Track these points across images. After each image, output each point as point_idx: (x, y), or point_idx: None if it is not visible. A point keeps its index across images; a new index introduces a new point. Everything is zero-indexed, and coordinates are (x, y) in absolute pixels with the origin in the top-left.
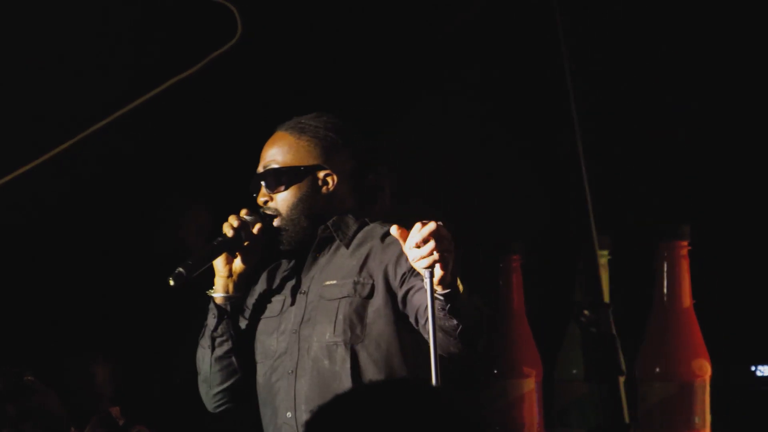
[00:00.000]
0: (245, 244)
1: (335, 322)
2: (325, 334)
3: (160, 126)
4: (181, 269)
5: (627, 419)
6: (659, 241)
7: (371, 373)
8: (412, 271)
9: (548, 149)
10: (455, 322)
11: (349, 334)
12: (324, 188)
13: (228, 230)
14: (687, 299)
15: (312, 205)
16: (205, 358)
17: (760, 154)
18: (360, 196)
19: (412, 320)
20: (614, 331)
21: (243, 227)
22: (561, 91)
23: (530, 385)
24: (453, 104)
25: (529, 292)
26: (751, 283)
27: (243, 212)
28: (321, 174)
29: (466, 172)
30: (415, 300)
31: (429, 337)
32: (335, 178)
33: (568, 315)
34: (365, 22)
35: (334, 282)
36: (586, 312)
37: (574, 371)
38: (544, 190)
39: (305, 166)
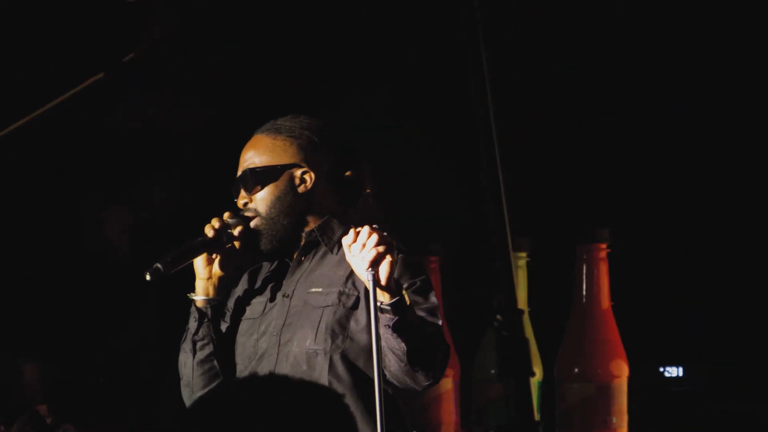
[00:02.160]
0: (226, 246)
1: (317, 329)
2: (306, 341)
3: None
4: (158, 265)
5: (537, 417)
6: (578, 244)
7: (347, 383)
8: None
9: (467, 152)
10: (403, 343)
11: (329, 342)
12: (301, 186)
13: (209, 231)
14: (605, 301)
15: (290, 204)
16: (187, 362)
17: (677, 158)
18: (342, 196)
19: None
20: (526, 335)
21: (224, 229)
22: (479, 93)
23: (447, 384)
24: (370, 107)
25: (447, 293)
26: (661, 285)
27: (226, 215)
28: (298, 172)
29: (384, 175)
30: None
31: (389, 366)
32: (312, 175)
33: (486, 316)
34: (288, 23)
35: (320, 290)
36: (499, 316)
37: (492, 371)
38: (462, 192)
39: (281, 165)
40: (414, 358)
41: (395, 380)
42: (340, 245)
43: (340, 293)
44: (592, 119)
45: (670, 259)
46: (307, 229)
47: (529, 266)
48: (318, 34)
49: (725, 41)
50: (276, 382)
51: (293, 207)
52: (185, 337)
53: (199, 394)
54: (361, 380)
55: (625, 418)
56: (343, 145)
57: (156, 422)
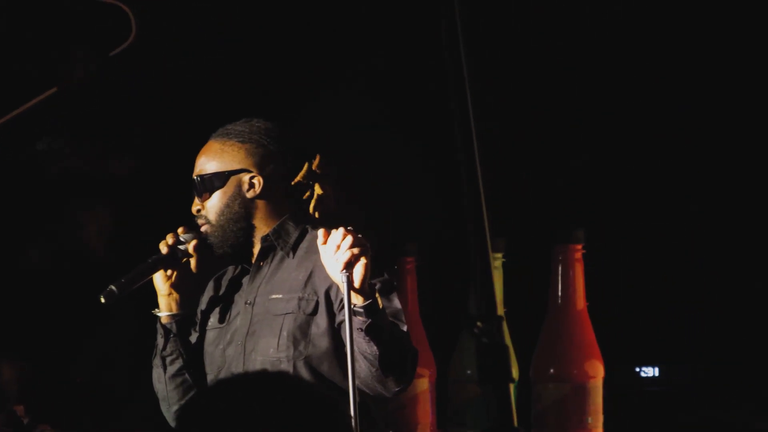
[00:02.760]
0: (183, 261)
1: (279, 337)
2: (269, 349)
3: (52, 128)
4: (113, 287)
5: (516, 423)
6: (554, 244)
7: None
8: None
9: (444, 152)
10: (375, 347)
11: (292, 350)
12: (250, 191)
13: (163, 248)
14: (581, 302)
15: (238, 210)
16: (160, 378)
17: (653, 160)
18: (298, 200)
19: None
20: (506, 341)
21: (178, 244)
22: (457, 94)
23: (424, 385)
24: (348, 106)
25: (423, 294)
26: (637, 286)
27: (180, 230)
28: (246, 177)
29: (362, 175)
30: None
31: (359, 371)
32: (261, 180)
33: (462, 316)
34: (258, 21)
35: (280, 296)
36: (479, 323)
37: (469, 372)
38: (440, 192)
39: (228, 171)
40: (386, 363)
41: (365, 386)
42: (297, 248)
43: (300, 299)
44: (567, 120)
45: (645, 260)
46: (262, 234)
47: (505, 267)
48: (292, 32)
49: (701, 41)
50: (246, 388)
51: (242, 213)
52: (155, 354)
53: (175, 407)
54: (325, 385)
55: (601, 418)
56: (296, 147)
57: (132, 423)
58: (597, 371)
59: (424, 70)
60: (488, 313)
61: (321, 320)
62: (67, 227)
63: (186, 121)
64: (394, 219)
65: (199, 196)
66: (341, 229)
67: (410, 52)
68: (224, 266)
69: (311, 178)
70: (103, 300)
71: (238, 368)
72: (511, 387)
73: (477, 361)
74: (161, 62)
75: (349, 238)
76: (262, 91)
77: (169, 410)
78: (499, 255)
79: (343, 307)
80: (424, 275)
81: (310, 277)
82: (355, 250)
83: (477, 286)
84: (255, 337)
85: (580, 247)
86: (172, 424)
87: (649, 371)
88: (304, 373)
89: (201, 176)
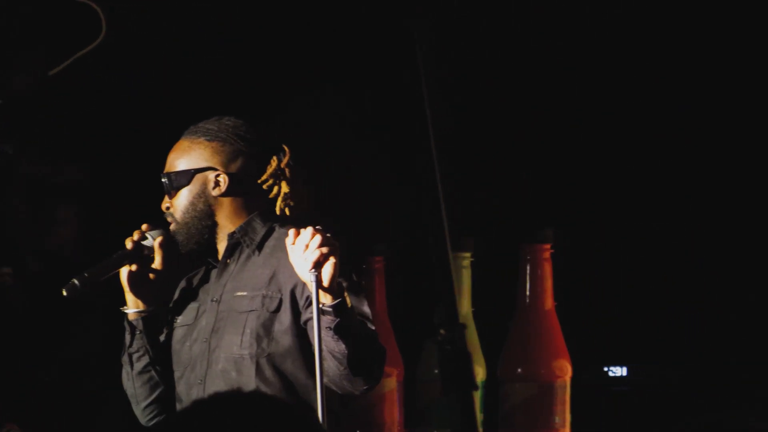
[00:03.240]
0: (147, 256)
1: (242, 334)
2: (233, 346)
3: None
4: (75, 281)
5: (480, 429)
6: (521, 244)
7: (276, 387)
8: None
9: (410, 151)
10: (344, 346)
11: (255, 347)
12: (216, 189)
13: (128, 243)
14: (549, 301)
15: (203, 207)
16: (128, 376)
17: (619, 159)
18: (266, 199)
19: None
20: (468, 349)
21: (143, 240)
22: (418, 92)
23: (391, 384)
24: (319, 107)
25: (392, 293)
26: (605, 286)
27: (144, 227)
28: (211, 175)
29: (331, 175)
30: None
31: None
32: (226, 178)
33: (430, 315)
34: (231, 22)
35: (245, 293)
36: (442, 331)
37: (436, 371)
38: (409, 192)
39: (194, 169)
40: (354, 362)
41: (333, 384)
42: (263, 246)
43: (264, 296)
44: (533, 119)
45: (614, 260)
46: (229, 232)
47: (474, 266)
48: (267, 33)
49: (664, 38)
50: (214, 404)
51: (207, 210)
52: (123, 351)
53: (143, 404)
54: (289, 382)
55: (569, 417)
56: (263, 145)
57: (102, 423)
58: (565, 371)
59: (386, 72)
60: (450, 321)
61: (284, 318)
62: (34, 229)
63: (161, 119)
64: (363, 218)
65: (168, 194)
66: (310, 229)
67: (375, 55)
68: (199, 265)
69: (278, 176)
70: (65, 293)
71: (202, 366)
72: (479, 386)
73: (440, 369)
74: (132, 60)
75: (318, 238)
76: (237, 90)
77: (137, 407)
78: (468, 255)
79: (309, 305)
80: (393, 275)
81: (275, 274)
82: (324, 250)
83: (439, 294)
84: (219, 334)
85: (548, 246)
86: (143, 421)
87: (618, 371)
88: (267, 370)
89: (168, 174)
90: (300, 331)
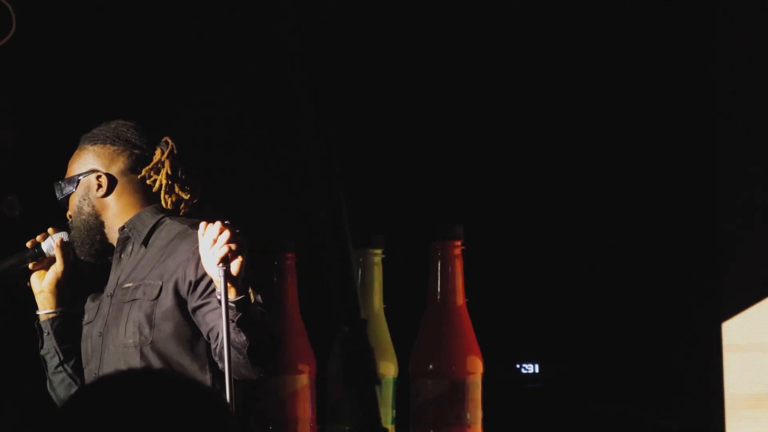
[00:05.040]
0: (45, 258)
1: (126, 324)
2: (118, 337)
3: None
4: None
5: (384, 423)
6: (432, 241)
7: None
8: (207, 284)
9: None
10: (244, 337)
11: (138, 336)
12: (99, 190)
13: (28, 244)
14: (460, 298)
15: (90, 210)
16: (47, 376)
17: (532, 158)
18: (152, 193)
19: (204, 336)
20: (370, 344)
21: (44, 241)
22: (309, 91)
23: (304, 381)
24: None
25: (303, 289)
26: (517, 282)
27: (50, 230)
28: (93, 177)
29: (236, 174)
30: (208, 319)
31: (220, 353)
32: (106, 179)
33: (341, 312)
34: (142, 19)
35: (130, 285)
36: (345, 327)
37: None
38: (312, 187)
39: (77, 174)
40: (253, 352)
41: (232, 372)
42: (150, 238)
43: (144, 285)
44: (443, 116)
45: (525, 256)
46: (120, 227)
47: (384, 263)
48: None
49: (560, 35)
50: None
51: (93, 212)
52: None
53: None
54: (173, 368)
55: (480, 414)
56: (142, 141)
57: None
58: (476, 367)
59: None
60: (353, 317)
61: (165, 304)
62: None
63: (64, 124)
64: (272, 215)
65: (62, 201)
66: (218, 223)
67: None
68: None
69: (158, 169)
70: None
71: (97, 359)
72: (389, 381)
73: (343, 364)
74: (40, 60)
75: (227, 233)
76: (136, 92)
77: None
78: (379, 251)
79: (193, 291)
80: (304, 271)
81: (158, 264)
82: (233, 246)
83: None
84: (108, 326)
85: (459, 243)
86: None
87: (530, 368)
88: (152, 358)
89: (56, 182)
90: (182, 316)
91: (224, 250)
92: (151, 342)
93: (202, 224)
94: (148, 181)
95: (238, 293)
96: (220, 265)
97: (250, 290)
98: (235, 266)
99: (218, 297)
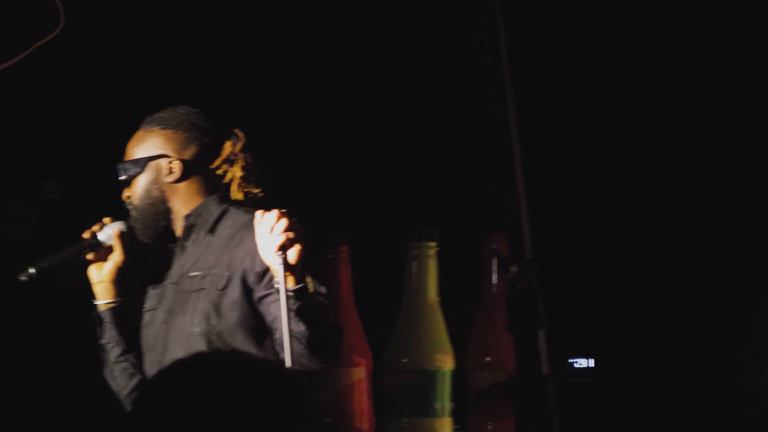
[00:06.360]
0: (104, 248)
1: (193, 313)
2: (185, 325)
3: None
4: (31, 269)
5: (442, 415)
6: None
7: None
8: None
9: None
10: (303, 327)
11: (205, 325)
12: (169, 176)
13: (85, 234)
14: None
15: (158, 194)
16: (107, 368)
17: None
18: (220, 184)
19: (269, 328)
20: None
21: (101, 232)
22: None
23: (360, 374)
24: (279, 95)
25: (358, 283)
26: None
27: (106, 219)
28: (164, 162)
29: (288, 161)
30: (272, 309)
31: (282, 343)
32: (179, 164)
33: (396, 304)
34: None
35: (197, 273)
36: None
37: (404, 360)
38: (366, 181)
39: (147, 157)
40: (313, 342)
41: (293, 362)
42: (216, 227)
43: (213, 275)
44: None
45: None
46: (186, 215)
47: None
48: (224, 24)
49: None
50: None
51: (161, 197)
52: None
53: (125, 394)
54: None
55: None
56: (216, 131)
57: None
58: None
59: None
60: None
61: (233, 294)
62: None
63: (121, 111)
64: (326, 208)
65: (126, 184)
66: (275, 212)
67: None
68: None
69: (231, 161)
70: (23, 279)
71: (162, 348)
72: (448, 375)
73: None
74: (87, 53)
75: (284, 221)
76: (194, 79)
77: (120, 396)
78: (434, 244)
79: (260, 281)
80: (359, 264)
81: (225, 253)
82: (290, 234)
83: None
84: (174, 314)
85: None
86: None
87: (583, 362)
88: (219, 347)
89: (123, 163)
90: (249, 307)
91: (282, 238)
92: (218, 332)
93: (259, 213)
94: (218, 172)
95: (296, 282)
96: (278, 253)
97: (309, 280)
98: (293, 254)
99: (276, 285)
